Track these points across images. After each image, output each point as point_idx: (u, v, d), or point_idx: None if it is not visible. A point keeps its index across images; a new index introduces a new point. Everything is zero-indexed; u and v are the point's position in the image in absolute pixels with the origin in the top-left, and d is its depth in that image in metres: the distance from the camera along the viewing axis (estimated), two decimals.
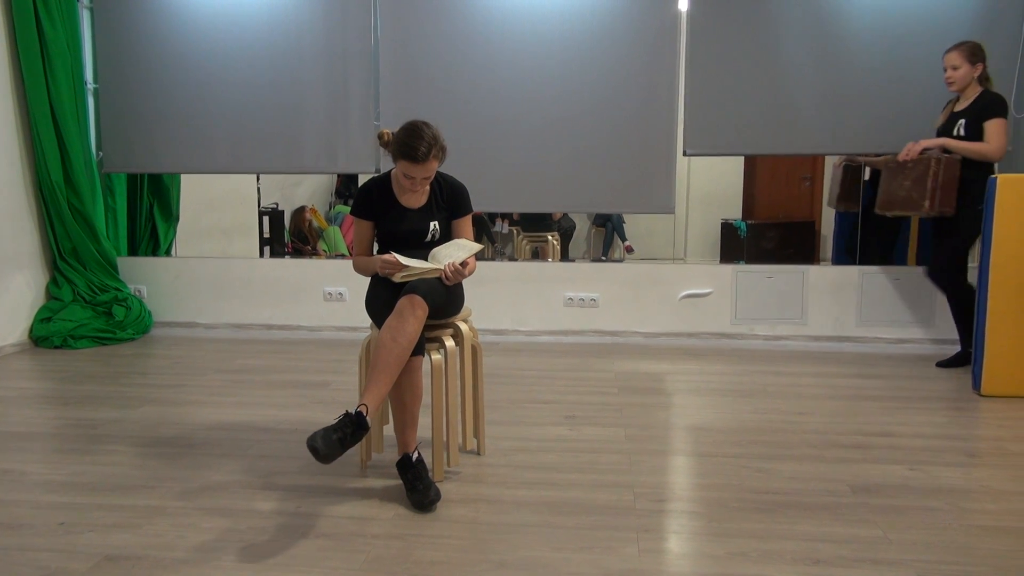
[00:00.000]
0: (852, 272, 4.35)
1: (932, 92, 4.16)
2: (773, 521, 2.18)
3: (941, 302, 4.27)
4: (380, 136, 2.47)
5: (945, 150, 3.66)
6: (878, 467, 2.58)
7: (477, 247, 2.47)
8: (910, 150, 3.72)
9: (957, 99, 3.77)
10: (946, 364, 3.91)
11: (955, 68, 3.65)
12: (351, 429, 2.09)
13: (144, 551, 2.02)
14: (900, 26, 4.16)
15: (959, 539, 2.08)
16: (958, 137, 3.66)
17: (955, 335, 4.28)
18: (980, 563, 1.95)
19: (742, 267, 4.46)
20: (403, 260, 2.34)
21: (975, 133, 3.62)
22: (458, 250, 2.44)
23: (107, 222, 4.77)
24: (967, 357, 3.86)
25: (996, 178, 3.30)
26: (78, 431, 2.95)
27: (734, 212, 5.96)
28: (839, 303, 4.36)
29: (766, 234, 5.86)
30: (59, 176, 4.43)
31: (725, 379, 3.69)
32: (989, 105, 3.60)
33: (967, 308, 3.75)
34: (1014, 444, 2.80)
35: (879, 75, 4.19)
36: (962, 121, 3.66)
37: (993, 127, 3.57)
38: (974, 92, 3.67)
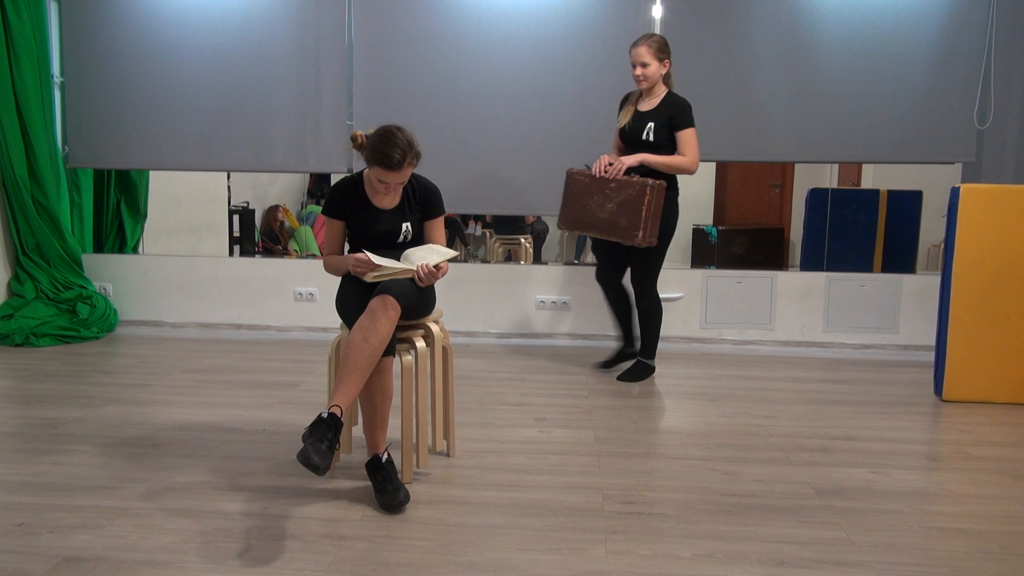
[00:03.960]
0: (819, 278, 4.41)
1: (900, 101, 4.24)
2: (739, 523, 2.21)
3: (905, 309, 4.36)
4: (353, 138, 2.44)
5: (644, 166, 3.44)
6: (842, 470, 2.62)
7: (451, 253, 2.46)
8: (614, 167, 3.44)
9: (640, 95, 3.58)
10: (606, 364, 3.86)
11: (644, 65, 3.45)
12: (331, 432, 2.07)
13: (105, 552, 1.98)
14: (869, 36, 4.23)
15: (919, 541, 2.12)
16: (647, 141, 3.47)
17: (918, 340, 4.36)
18: (939, 564, 2.00)
19: (712, 272, 4.51)
20: (376, 259, 2.33)
21: (665, 139, 3.46)
22: (431, 254, 2.44)
23: (72, 218, 4.68)
24: (627, 355, 3.82)
25: (960, 188, 3.37)
26: (39, 430, 2.89)
27: (705, 218, 6.02)
28: (806, 309, 4.43)
29: (736, 240, 5.93)
30: (23, 170, 4.34)
31: (694, 383, 3.73)
32: (680, 112, 3.44)
33: (652, 319, 3.67)
34: (974, 448, 2.86)
35: (849, 84, 4.26)
36: (651, 125, 3.47)
37: (688, 138, 3.43)
38: (661, 91, 3.51)
